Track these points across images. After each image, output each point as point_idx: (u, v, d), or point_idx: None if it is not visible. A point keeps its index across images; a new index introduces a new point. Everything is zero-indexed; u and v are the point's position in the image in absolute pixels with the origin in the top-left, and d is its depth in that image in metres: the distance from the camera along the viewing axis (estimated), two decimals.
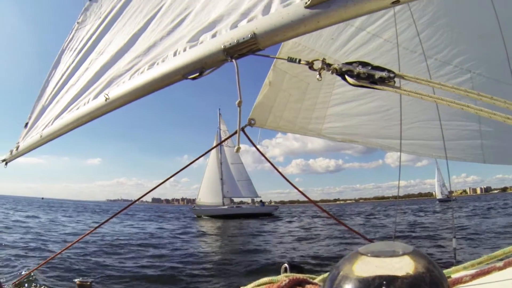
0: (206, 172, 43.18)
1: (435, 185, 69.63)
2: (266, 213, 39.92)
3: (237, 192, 43.19)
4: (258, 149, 2.49)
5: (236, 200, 45.90)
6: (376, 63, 1.28)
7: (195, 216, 38.48)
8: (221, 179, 42.26)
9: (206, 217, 36.71)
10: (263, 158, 2.67)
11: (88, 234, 3.05)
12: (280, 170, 2.73)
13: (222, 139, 42.65)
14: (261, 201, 45.18)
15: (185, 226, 23.39)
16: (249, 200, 46.59)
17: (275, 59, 2.82)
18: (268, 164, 2.68)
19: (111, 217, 3.09)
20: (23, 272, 6.10)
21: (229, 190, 42.59)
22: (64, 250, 3.14)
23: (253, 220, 30.39)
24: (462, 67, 2.95)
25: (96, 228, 3.18)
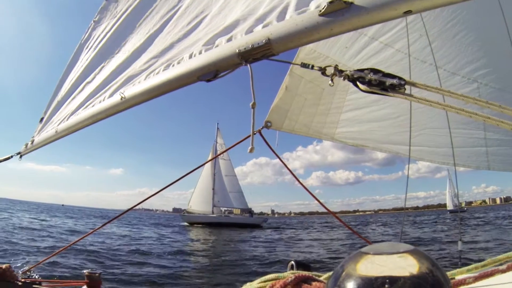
0: (199, 181, 45.90)
1: (446, 196, 68.33)
2: (255, 224, 41.78)
3: (228, 202, 46.02)
4: (274, 151, 2.49)
5: (224, 209, 48.01)
6: (387, 71, 1.32)
7: (185, 223, 40.87)
8: (213, 189, 44.92)
9: (197, 225, 38.89)
10: (283, 170, 2.72)
11: (91, 233, 3.14)
12: (298, 179, 2.75)
13: (218, 152, 45.15)
14: (249, 212, 47.20)
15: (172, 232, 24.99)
16: (237, 211, 49.02)
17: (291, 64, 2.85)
18: (289, 176, 2.78)
19: (113, 219, 3.14)
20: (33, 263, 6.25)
21: (220, 200, 45.33)
22: (71, 244, 3.22)
23: (242, 230, 31.96)
24: (469, 77, 3.01)
25: (100, 227, 3.28)
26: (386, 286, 0.44)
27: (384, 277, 0.45)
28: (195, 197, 45.69)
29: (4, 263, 2.53)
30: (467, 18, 2.95)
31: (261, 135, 2.51)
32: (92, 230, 3.36)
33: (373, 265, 0.49)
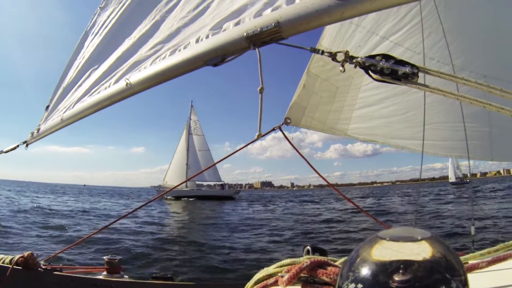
0: (174, 157, 48.37)
1: (448, 168, 67.90)
2: (227, 196, 44.01)
3: (201, 176, 48.74)
4: (292, 145, 2.62)
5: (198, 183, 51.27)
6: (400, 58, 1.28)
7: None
8: (187, 164, 46.97)
9: (171, 198, 40.88)
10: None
11: (119, 219, 3.16)
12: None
13: (192, 129, 48.90)
14: (221, 185, 49.60)
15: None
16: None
17: (309, 63, 3.08)
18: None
19: (146, 203, 3.17)
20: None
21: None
22: (96, 232, 3.25)
23: (214, 202, 34.18)
24: (478, 72, 3.06)
25: (129, 213, 3.40)
26: (400, 270, 0.45)
27: (399, 261, 0.46)
28: (170, 172, 47.67)
29: (27, 251, 2.57)
30: (475, 15, 3.03)
31: (281, 130, 2.64)
32: (123, 215, 3.42)
33: (388, 250, 0.49)
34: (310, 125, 3.29)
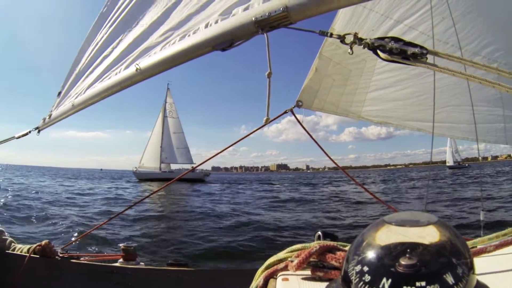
0: (150, 140, 49.63)
1: (446, 151, 67.10)
2: (198, 179, 44.34)
3: (174, 158, 49.23)
4: (304, 128, 2.69)
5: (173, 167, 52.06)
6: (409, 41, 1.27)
7: (137, 179, 44.65)
8: (161, 146, 48.33)
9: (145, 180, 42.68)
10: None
11: (132, 206, 3.26)
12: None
13: (167, 111, 49.88)
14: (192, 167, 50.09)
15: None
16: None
17: (321, 47, 3.13)
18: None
19: (152, 193, 3.26)
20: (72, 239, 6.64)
21: (167, 157, 48.81)
22: (107, 221, 3.37)
23: (185, 185, 35.10)
24: (490, 57, 3.08)
25: (143, 199, 4.11)
26: (406, 254, 0.45)
27: (404, 245, 0.46)
28: (146, 155, 49.38)
29: (44, 239, 2.65)
30: (488, 0, 3.06)
31: (293, 113, 2.70)
32: (137, 201, 3.61)
33: (394, 234, 0.49)
34: (323, 108, 3.35)
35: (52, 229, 8.92)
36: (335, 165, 2.99)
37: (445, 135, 3.78)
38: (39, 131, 3.31)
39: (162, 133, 48.77)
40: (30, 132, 3.18)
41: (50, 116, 3.09)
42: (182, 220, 11.16)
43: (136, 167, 48.77)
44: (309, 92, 3.19)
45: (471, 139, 3.60)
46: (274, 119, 2.07)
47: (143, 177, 45.04)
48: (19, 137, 3.23)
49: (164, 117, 49.39)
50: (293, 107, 2.81)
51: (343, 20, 3.09)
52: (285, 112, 2.64)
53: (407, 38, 3.02)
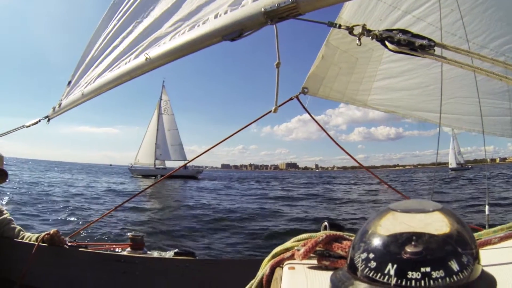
0: (146, 136, 49.86)
1: (449, 153, 65.77)
2: (191, 176, 45.05)
3: (168, 155, 49.60)
4: (310, 114, 2.73)
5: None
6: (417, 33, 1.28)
7: (132, 175, 45.57)
8: (156, 143, 48.62)
9: (139, 176, 43.63)
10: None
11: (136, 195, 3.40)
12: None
13: (163, 108, 49.88)
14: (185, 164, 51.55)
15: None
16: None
17: (328, 35, 3.13)
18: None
19: (152, 184, 3.36)
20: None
21: (162, 153, 49.14)
22: (112, 210, 3.44)
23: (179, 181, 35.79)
24: (497, 51, 3.06)
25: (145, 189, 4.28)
26: (412, 242, 0.45)
27: (409, 233, 0.46)
28: (142, 151, 49.79)
29: (52, 228, 2.69)
30: None
31: (298, 100, 2.72)
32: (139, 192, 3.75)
33: (399, 222, 0.49)
34: (329, 95, 3.36)
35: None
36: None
37: (452, 126, 3.78)
38: (48, 120, 3.32)
39: (157, 130, 49.16)
40: (40, 120, 3.20)
41: (59, 105, 3.12)
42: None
43: (131, 164, 49.40)
44: (315, 80, 3.20)
45: (477, 131, 3.58)
46: (281, 105, 2.09)
47: (138, 173, 46.29)
48: (29, 126, 3.25)
49: (159, 114, 49.55)
50: (299, 94, 2.83)
51: (351, 10, 3.08)
52: (291, 99, 2.65)
53: (414, 29, 3.05)
